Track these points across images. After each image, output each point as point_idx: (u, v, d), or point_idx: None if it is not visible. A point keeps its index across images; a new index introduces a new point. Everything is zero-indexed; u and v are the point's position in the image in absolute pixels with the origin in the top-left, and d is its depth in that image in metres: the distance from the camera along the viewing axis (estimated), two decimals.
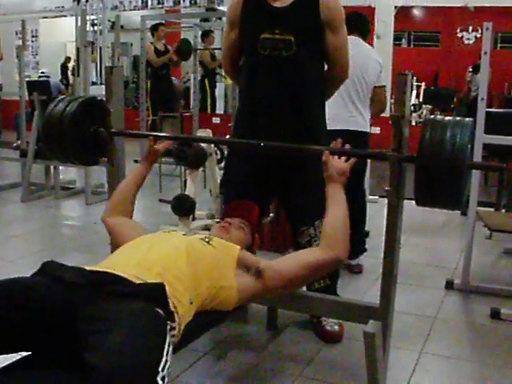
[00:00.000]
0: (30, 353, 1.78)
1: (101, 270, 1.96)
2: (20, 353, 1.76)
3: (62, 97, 2.84)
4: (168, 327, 1.76)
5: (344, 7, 2.84)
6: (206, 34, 10.18)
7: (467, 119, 2.22)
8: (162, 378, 1.52)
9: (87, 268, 1.96)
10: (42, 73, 10.05)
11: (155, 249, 2.10)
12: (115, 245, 2.44)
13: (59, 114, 2.69)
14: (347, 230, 2.26)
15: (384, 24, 9.42)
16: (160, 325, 1.72)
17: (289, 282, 2.26)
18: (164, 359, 1.57)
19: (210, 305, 2.10)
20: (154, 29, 9.26)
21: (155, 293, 1.82)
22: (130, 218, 2.61)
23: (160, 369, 1.53)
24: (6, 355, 1.74)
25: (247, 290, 2.21)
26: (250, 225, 2.57)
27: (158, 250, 2.09)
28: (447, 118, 2.24)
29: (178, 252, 2.07)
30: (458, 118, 2.24)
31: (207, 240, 2.24)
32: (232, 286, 2.15)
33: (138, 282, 1.87)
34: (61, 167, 6.67)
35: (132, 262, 2.00)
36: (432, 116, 2.29)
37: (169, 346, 1.65)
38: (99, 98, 2.90)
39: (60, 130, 2.69)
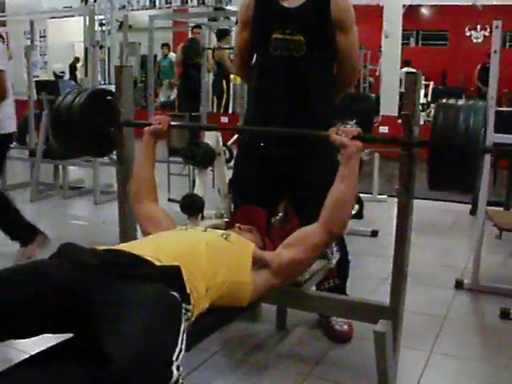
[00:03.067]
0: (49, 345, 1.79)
1: (119, 249, 1.99)
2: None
3: (69, 90, 2.86)
4: (183, 311, 1.77)
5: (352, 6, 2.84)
6: (224, 34, 10.15)
7: (480, 102, 2.20)
8: (177, 368, 1.52)
9: (106, 248, 1.99)
10: (62, 73, 9.95)
11: (175, 239, 2.16)
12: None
13: (68, 105, 2.69)
14: (350, 208, 2.36)
15: (392, 23, 9.42)
16: (176, 311, 1.73)
17: (295, 267, 2.36)
18: (178, 348, 1.58)
19: (225, 299, 2.10)
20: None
21: (171, 275, 1.83)
22: (155, 196, 2.61)
23: (174, 358, 1.54)
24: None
25: (261, 284, 2.23)
26: (258, 230, 2.58)
27: (178, 240, 2.14)
28: (460, 102, 2.22)
29: (197, 244, 2.10)
30: (471, 102, 2.23)
31: (225, 236, 2.26)
32: (247, 281, 2.17)
33: (157, 262, 1.89)
34: (69, 167, 6.69)
35: (151, 247, 2.03)
36: (444, 100, 2.27)
37: (183, 333, 1.65)
38: (108, 89, 2.91)
39: (68, 121, 2.69)
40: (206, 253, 2.06)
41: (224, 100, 11.27)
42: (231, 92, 11.58)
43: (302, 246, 2.31)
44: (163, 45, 13.74)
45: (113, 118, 2.80)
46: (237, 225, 2.57)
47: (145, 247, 2.01)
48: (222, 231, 2.36)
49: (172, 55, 13.49)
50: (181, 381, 1.53)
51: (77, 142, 2.78)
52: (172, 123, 2.70)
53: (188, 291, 1.85)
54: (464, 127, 2.08)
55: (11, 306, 1.68)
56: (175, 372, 1.51)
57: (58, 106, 2.74)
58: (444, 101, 2.26)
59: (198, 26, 9.97)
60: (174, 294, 1.76)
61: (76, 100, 2.70)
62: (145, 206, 2.56)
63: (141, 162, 2.64)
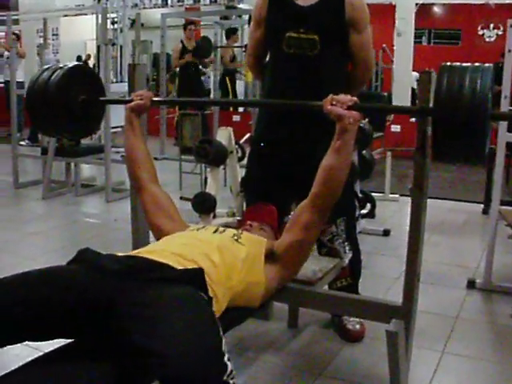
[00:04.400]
0: (71, 340, 1.80)
1: (138, 255, 1.98)
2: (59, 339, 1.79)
3: (48, 65, 2.74)
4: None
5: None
6: (231, 33, 10.15)
7: (487, 65, 2.05)
8: (228, 359, 1.51)
9: (123, 254, 1.98)
10: None
11: (188, 244, 2.12)
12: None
13: (44, 82, 2.57)
14: (339, 184, 2.23)
15: (404, 21, 9.40)
16: (207, 306, 1.72)
17: (296, 250, 2.32)
18: (224, 339, 1.57)
19: (239, 300, 2.10)
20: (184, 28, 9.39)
21: (197, 277, 1.82)
22: (154, 174, 2.59)
23: (223, 349, 1.52)
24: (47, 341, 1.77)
25: (273, 279, 2.23)
26: (270, 227, 2.57)
27: (191, 246, 2.10)
28: (465, 64, 2.06)
29: (210, 249, 2.09)
30: (476, 64, 2.06)
31: (236, 238, 2.24)
32: (260, 281, 2.16)
33: (178, 266, 1.88)
34: (81, 165, 6.71)
35: (170, 251, 2.02)
36: (448, 63, 2.10)
37: (219, 324, 1.64)
38: (88, 66, 2.84)
39: (44, 99, 2.57)
40: (219, 258, 2.05)
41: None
42: (241, 90, 11.57)
43: (296, 227, 2.28)
44: None
45: (92, 95, 2.71)
46: (248, 222, 2.56)
47: (164, 253, 1.99)
48: (234, 231, 2.33)
49: None
50: (234, 372, 1.51)
51: (55, 120, 2.66)
52: (154, 99, 2.61)
53: (211, 294, 1.85)
54: (470, 91, 1.92)
55: (33, 309, 1.68)
56: (229, 363, 1.50)
57: (33, 83, 2.61)
58: (448, 63, 2.08)
59: (192, 23, 9.96)
60: (201, 294, 1.76)
61: (53, 77, 2.58)
62: (148, 190, 2.50)
63: (130, 142, 2.57)
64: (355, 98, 2.18)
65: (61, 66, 2.67)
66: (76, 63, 2.68)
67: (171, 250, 2.02)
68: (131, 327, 1.57)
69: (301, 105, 2.61)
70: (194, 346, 1.46)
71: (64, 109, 2.61)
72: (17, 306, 1.66)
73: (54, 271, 1.83)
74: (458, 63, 2.06)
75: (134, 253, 2.07)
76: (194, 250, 2.06)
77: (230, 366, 1.49)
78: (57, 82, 2.57)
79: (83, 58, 13.47)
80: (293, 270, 2.39)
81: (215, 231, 2.30)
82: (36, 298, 1.69)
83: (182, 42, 9.56)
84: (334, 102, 2.16)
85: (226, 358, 1.50)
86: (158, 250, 2.05)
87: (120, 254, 1.98)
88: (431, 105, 2.12)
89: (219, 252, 2.07)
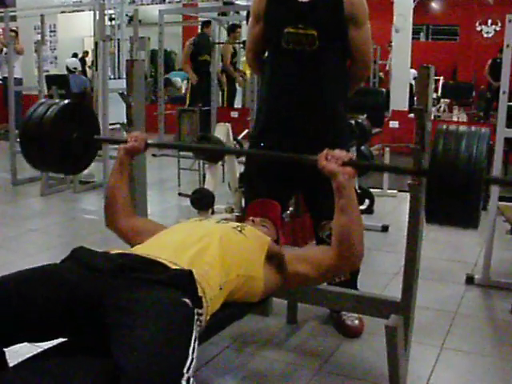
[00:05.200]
0: (65, 339, 1.81)
1: (134, 253, 1.98)
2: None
3: (43, 100, 2.67)
4: (195, 317, 1.74)
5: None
6: (232, 30, 10.15)
7: (484, 129, 2.01)
8: (187, 380, 1.50)
9: (120, 251, 1.98)
10: (75, 69, 9.89)
11: (189, 235, 2.12)
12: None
13: (39, 119, 2.50)
14: (359, 236, 2.15)
15: (403, 17, 9.37)
16: (188, 320, 1.70)
17: (304, 282, 2.33)
18: (190, 358, 1.55)
19: (238, 294, 2.09)
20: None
21: (183, 281, 1.81)
22: (133, 211, 2.52)
23: (185, 370, 1.50)
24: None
25: (272, 282, 2.21)
26: (272, 223, 2.56)
27: (192, 237, 2.10)
28: (461, 128, 2.01)
29: (210, 239, 2.08)
30: (473, 128, 2.01)
31: (240, 229, 2.23)
32: (260, 276, 2.15)
33: (172, 266, 1.87)
34: None
35: (166, 247, 2.02)
36: (444, 126, 2.04)
37: (195, 341, 1.62)
38: (83, 104, 2.76)
39: (38, 135, 2.51)
40: (219, 249, 2.05)
41: (225, 94, 11.27)
42: (239, 86, 11.56)
43: (312, 265, 2.23)
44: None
45: (87, 133, 2.65)
46: (250, 218, 2.54)
47: (159, 249, 1.99)
48: (237, 223, 2.33)
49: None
50: None
51: (48, 158, 2.60)
52: (149, 141, 2.51)
53: (200, 293, 1.84)
54: (466, 156, 1.87)
55: (26, 309, 1.68)
56: None
57: (27, 118, 2.54)
58: (444, 126, 2.02)
59: (209, 22, 9.97)
60: (187, 300, 1.73)
61: (48, 112, 2.51)
62: (128, 223, 2.44)
63: (115, 183, 2.47)
64: (350, 154, 2.13)
65: (56, 101, 2.60)
66: (69, 101, 2.59)
67: (169, 246, 2.02)
68: (111, 333, 1.58)
69: (295, 158, 2.56)
70: (153, 364, 1.44)
71: (57, 146, 2.54)
72: (10, 306, 1.66)
73: (46, 270, 1.83)
74: (455, 127, 2.01)
75: (131, 249, 2.07)
76: (193, 243, 2.05)
77: None
78: (51, 118, 2.50)
79: (79, 55, 13.45)
80: (289, 287, 2.41)
81: (218, 222, 2.30)
82: (29, 298, 1.69)
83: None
84: (329, 157, 2.10)
85: (184, 379, 1.48)
86: (155, 247, 2.04)
87: (115, 252, 1.98)
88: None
89: (220, 243, 2.07)
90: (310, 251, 2.39)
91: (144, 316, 1.59)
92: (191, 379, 1.51)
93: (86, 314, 1.71)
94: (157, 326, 1.56)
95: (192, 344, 1.60)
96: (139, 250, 2.04)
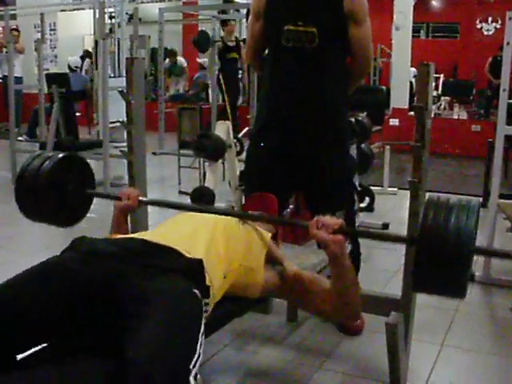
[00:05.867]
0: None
1: (142, 238, 1.98)
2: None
3: (39, 153, 2.64)
4: (203, 309, 1.75)
5: None
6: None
7: (474, 201, 1.98)
8: (195, 376, 1.50)
9: (126, 236, 2.02)
10: (76, 67, 9.86)
11: (194, 224, 2.14)
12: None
13: (34, 172, 2.49)
14: (357, 301, 2.16)
15: (403, 15, 9.37)
16: (198, 312, 1.70)
17: (299, 303, 2.38)
18: (197, 353, 1.55)
19: (239, 287, 2.10)
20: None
21: (195, 270, 1.82)
22: None
23: (192, 366, 1.51)
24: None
25: (270, 282, 2.21)
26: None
27: (197, 225, 2.12)
28: (452, 200, 1.94)
29: (215, 227, 2.11)
30: (463, 201, 1.95)
31: (242, 222, 2.26)
32: (260, 270, 2.16)
33: (186, 254, 1.88)
34: None
35: (176, 234, 2.03)
36: (435, 196, 1.97)
37: (202, 335, 1.63)
38: (77, 156, 2.74)
39: (33, 188, 2.50)
40: (223, 237, 2.08)
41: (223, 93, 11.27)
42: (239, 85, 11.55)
43: (311, 294, 2.23)
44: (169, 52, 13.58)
45: (81, 185, 2.67)
46: (249, 213, 2.54)
47: (168, 236, 2.00)
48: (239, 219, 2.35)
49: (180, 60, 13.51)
50: None
51: (44, 210, 2.60)
52: (141, 198, 2.50)
53: (208, 283, 1.85)
54: (456, 228, 1.84)
55: (37, 307, 1.68)
56: (192, 382, 1.49)
57: (23, 171, 2.53)
58: (435, 197, 1.97)
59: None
60: (196, 291, 1.74)
61: (43, 166, 2.49)
62: None
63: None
64: (340, 221, 2.05)
65: (50, 154, 2.58)
66: (65, 154, 2.60)
67: (177, 233, 2.04)
68: (122, 322, 1.58)
69: (287, 222, 2.66)
70: (162, 359, 1.45)
71: (52, 199, 2.55)
72: (21, 306, 1.66)
73: (46, 265, 1.83)
74: (445, 197, 1.96)
75: (137, 234, 2.08)
76: (198, 232, 2.07)
77: (192, 382, 1.48)
78: (47, 171, 2.49)
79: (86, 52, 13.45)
80: (286, 296, 2.44)
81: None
82: (30, 301, 1.68)
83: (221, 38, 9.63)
84: (320, 225, 2.02)
85: (191, 376, 1.49)
86: (163, 234, 2.05)
87: (120, 237, 2.00)
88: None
89: (224, 232, 2.10)
90: (316, 284, 2.35)
91: (158, 308, 1.59)
92: (198, 375, 1.51)
93: (88, 305, 1.69)
94: (169, 319, 1.57)
95: (200, 339, 1.60)
96: (148, 235, 2.04)
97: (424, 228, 1.86)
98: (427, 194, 2.06)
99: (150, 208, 3.10)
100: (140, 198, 2.49)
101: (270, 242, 2.29)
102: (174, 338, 1.52)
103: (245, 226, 2.26)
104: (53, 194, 2.51)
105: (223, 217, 2.22)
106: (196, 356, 1.54)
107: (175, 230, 2.12)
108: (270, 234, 2.34)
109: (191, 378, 1.48)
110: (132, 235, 2.08)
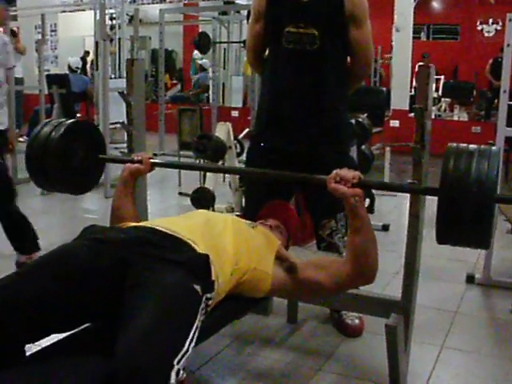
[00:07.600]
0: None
1: (151, 226, 2.00)
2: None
3: (49, 120, 2.66)
4: (202, 305, 1.76)
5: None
6: None
7: (494, 148, 1.96)
8: (177, 373, 1.49)
9: (136, 224, 2.04)
10: (77, 68, 9.84)
11: (205, 218, 2.16)
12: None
13: (44, 138, 2.50)
14: (374, 256, 2.18)
15: (403, 17, 9.37)
16: (194, 308, 1.71)
17: (317, 291, 2.28)
18: (185, 349, 1.56)
19: (244, 286, 2.11)
20: None
21: (199, 265, 1.83)
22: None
23: (176, 362, 1.51)
24: None
25: (279, 283, 2.21)
26: (285, 227, 2.56)
27: (208, 220, 2.14)
28: (471, 147, 1.96)
29: (225, 225, 2.13)
30: (483, 147, 1.95)
31: (252, 226, 2.28)
32: (268, 272, 2.16)
33: (195, 247, 1.90)
34: None
35: (184, 224, 2.05)
36: (455, 144, 2.01)
37: (195, 331, 1.64)
38: (90, 122, 2.75)
39: (44, 154, 2.51)
40: (232, 236, 2.09)
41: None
42: (240, 85, 11.57)
43: (332, 274, 2.21)
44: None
45: (92, 152, 2.66)
46: (260, 221, 2.52)
47: (178, 226, 2.01)
48: (248, 222, 2.36)
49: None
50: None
51: (53, 175, 2.59)
52: (154, 161, 2.52)
53: (213, 278, 1.85)
54: (477, 177, 1.84)
55: (43, 300, 1.69)
56: (173, 377, 1.48)
57: (34, 138, 2.55)
58: (455, 145, 2.01)
59: None
60: (197, 287, 1.75)
61: (53, 132, 2.51)
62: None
63: (120, 202, 2.46)
64: (358, 174, 2.10)
65: (61, 120, 2.60)
66: (75, 120, 2.61)
67: (185, 225, 2.05)
68: (123, 309, 1.63)
69: (304, 178, 2.50)
70: (147, 355, 1.47)
71: (63, 165, 2.55)
72: (26, 302, 1.67)
73: (56, 253, 1.85)
74: (465, 145, 1.97)
75: (148, 223, 2.10)
76: (208, 226, 2.09)
77: (173, 379, 1.48)
78: (57, 137, 2.50)
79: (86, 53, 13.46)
80: (304, 294, 2.39)
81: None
82: (41, 290, 1.70)
83: None
84: (338, 179, 2.08)
85: (173, 371, 1.49)
86: (174, 224, 2.05)
87: (130, 225, 2.04)
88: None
89: (233, 231, 2.12)
90: (325, 260, 2.36)
91: (152, 300, 1.62)
92: (181, 371, 1.51)
93: (95, 291, 1.74)
94: (162, 313, 1.59)
95: (191, 335, 1.61)
96: (159, 223, 2.04)
97: (445, 178, 1.90)
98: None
99: (150, 209, 3.10)
100: (152, 161, 2.52)
101: (280, 246, 2.28)
102: (161, 333, 1.54)
103: (256, 228, 2.27)
104: (64, 160, 2.54)
105: (235, 217, 2.26)
106: (183, 351, 1.55)
107: (187, 222, 2.13)
108: (279, 241, 2.33)
109: (173, 373, 1.48)
110: (143, 223, 2.08)
